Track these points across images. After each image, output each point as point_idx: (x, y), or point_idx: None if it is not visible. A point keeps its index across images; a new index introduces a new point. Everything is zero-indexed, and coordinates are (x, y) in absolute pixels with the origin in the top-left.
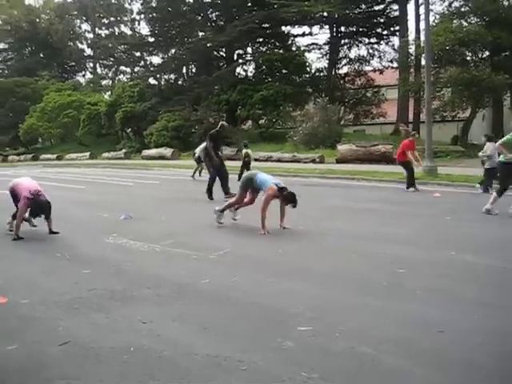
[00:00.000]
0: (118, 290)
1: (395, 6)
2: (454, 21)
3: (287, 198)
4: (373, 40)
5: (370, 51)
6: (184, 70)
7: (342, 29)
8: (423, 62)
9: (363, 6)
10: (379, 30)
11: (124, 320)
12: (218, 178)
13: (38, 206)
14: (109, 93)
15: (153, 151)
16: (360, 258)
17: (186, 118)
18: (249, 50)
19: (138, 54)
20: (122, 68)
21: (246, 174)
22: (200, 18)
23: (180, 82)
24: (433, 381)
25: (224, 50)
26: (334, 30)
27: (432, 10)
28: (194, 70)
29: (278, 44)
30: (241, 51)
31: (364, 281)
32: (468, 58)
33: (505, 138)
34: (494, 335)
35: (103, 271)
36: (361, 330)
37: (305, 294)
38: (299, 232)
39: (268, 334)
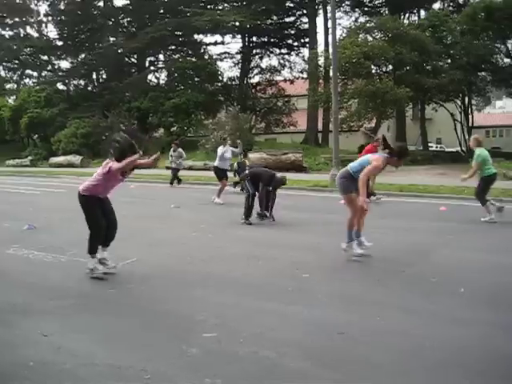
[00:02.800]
0: (18, 302)
1: (305, 19)
2: (361, 35)
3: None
4: (284, 51)
5: (281, 62)
6: (94, 76)
7: (254, 39)
8: (331, 74)
9: (274, 18)
10: (290, 42)
11: (24, 334)
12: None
13: None
14: (13, 97)
15: (61, 158)
16: (266, 264)
17: (95, 124)
18: (161, 57)
19: (45, 57)
20: (28, 72)
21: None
22: (111, 23)
23: (90, 88)
24: (330, 380)
25: (136, 56)
26: (246, 39)
27: (340, 24)
28: (104, 76)
29: (190, 52)
30: (153, 58)
31: (269, 286)
32: (373, 71)
33: (480, 159)
34: (394, 335)
35: (3, 284)
36: (264, 335)
37: (210, 300)
38: (208, 240)
39: (173, 341)
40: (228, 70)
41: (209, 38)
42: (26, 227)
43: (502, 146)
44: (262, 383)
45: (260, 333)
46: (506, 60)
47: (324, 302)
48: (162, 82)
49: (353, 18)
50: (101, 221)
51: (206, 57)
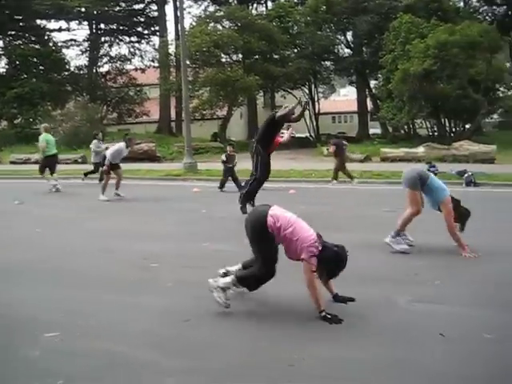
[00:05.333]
0: None
1: (154, 7)
2: (211, 24)
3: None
4: (133, 39)
5: (132, 50)
6: None
7: (102, 26)
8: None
9: (123, 4)
10: (140, 29)
11: None
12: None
13: None
14: None
15: None
16: (116, 256)
17: None
18: (0, 43)
19: None
20: None
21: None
22: None
23: None
24: (177, 367)
25: None
26: (94, 26)
27: (190, 13)
28: None
29: (33, 38)
30: None
31: (118, 278)
32: (223, 60)
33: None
34: (248, 318)
35: None
36: (111, 328)
37: (57, 298)
38: (56, 235)
39: (15, 345)
40: (75, 58)
41: (53, 24)
42: None
43: (347, 130)
44: (107, 378)
45: (107, 326)
46: (347, 50)
47: (172, 290)
48: (2, 70)
49: (202, 7)
50: None
51: (51, 44)
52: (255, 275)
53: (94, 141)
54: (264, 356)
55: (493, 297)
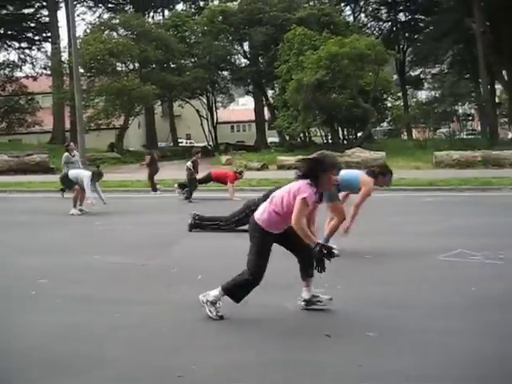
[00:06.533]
0: None
1: (46, 12)
2: (106, 32)
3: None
4: (24, 45)
5: (22, 56)
6: None
7: None
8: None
9: (11, 8)
10: (30, 35)
11: None
12: None
13: None
14: None
15: None
16: (1, 272)
17: None
18: None
19: None
20: None
21: None
22: None
23: None
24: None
25: None
26: None
27: (84, 20)
28: None
29: None
30: None
31: (2, 295)
32: (119, 69)
33: None
34: (128, 328)
35: None
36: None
37: None
38: None
39: None
40: None
41: None
42: None
43: (246, 139)
44: None
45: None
46: (244, 60)
47: (60, 306)
48: None
49: (97, 14)
50: None
51: None
52: (241, 282)
53: (66, 153)
54: (152, 370)
55: (375, 295)
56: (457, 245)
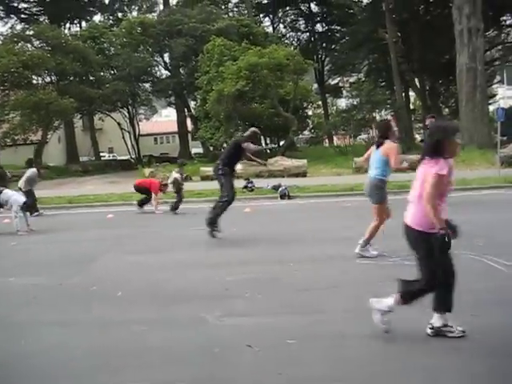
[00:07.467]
0: None
1: None
2: (19, 43)
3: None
4: None
5: None
6: None
7: None
8: None
9: None
10: None
11: None
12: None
13: None
14: None
15: None
16: None
17: None
18: None
19: None
20: None
21: None
22: None
23: None
24: None
25: None
26: None
27: None
28: None
29: None
30: None
31: None
32: (34, 82)
33: None
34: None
35: None
36: None
37: None
38: None
39: None
40: None
41: None
42: None
43: (170, 151)
44: None
45: None
46: (165, 72)
47: None
48: None
49: (9, 25)
50: None
51: None
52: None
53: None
54: None
55: (295, 303)
56: (376, 248)
